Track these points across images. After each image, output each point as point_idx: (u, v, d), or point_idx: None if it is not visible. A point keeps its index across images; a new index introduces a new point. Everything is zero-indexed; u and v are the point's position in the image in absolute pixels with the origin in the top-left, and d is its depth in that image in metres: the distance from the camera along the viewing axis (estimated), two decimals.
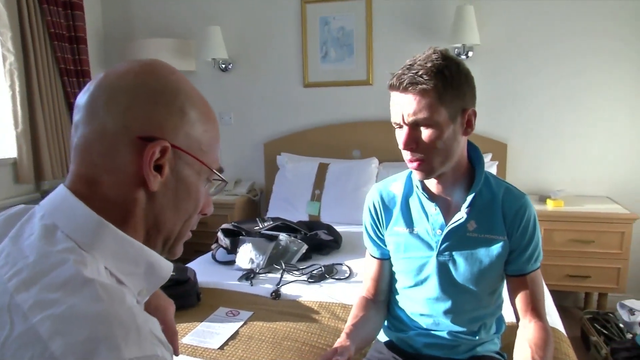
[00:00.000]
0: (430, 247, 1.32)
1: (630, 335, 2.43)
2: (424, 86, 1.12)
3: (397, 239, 1.36)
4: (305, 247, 2.38)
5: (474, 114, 1.22)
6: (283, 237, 2.43)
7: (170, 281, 1.99)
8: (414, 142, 1.18)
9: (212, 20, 3.59)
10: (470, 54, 3.16)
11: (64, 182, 0.68)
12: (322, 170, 3.20)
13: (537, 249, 1.29)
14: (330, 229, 2.59)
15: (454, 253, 1.30)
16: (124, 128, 0.65)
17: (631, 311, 2.55)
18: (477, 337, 1.38)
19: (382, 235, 1.40)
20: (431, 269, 1.32)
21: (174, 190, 0.69)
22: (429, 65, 1.13)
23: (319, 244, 2.45)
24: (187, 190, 0.71)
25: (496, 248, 1.27)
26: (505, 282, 1.38)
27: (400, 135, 1.19)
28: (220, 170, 0.76)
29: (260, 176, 3.74)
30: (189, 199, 0.72)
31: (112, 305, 0.55)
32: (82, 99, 0.68)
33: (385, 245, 1.41)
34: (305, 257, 2.40)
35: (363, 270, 1.50)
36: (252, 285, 2.17)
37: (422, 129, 1.17)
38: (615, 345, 2.38)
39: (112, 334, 0.52)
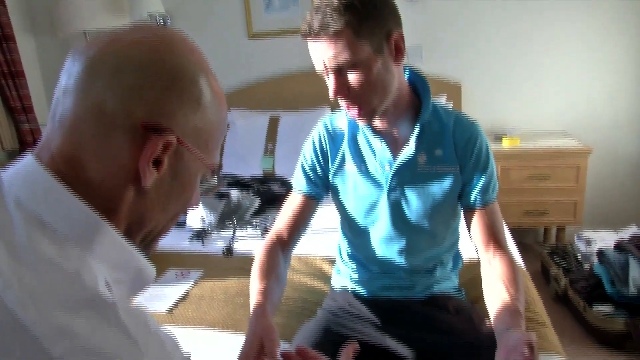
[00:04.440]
0: (379, 185, 1.24)
1: (588, 266, 2.46)
2: (336, 27, 1.00)
3: (346, 178, 1.27)
4: (258, 201, 2.29)
5: (401, 37, 1.09)
6: (234, 193, 2.32)
7: None
8: (344, 88, 1.07)
9: None
10: None
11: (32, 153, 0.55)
12: (274, 123, 3.08)
13: (492, 179, 1.23)
14: (283, 182, 2.50)
15: (405, 189, 1.23)
16: (126, 110, 0.53)
17: (588, 242, 2.57)
18: (433, 275, 1.33)
19: (322, 173, 1.30)
20: (382, 207, 1.25)
21: (168, 189, 0.60)
22: (335, 2, 1.01)
23: (272, 197, 2.36)
24: (181, 189, 0.61)
25: (449, 181, 1.21)
26: (460, 217, 1.33)
27: (329, 83, 1.09)
28: (218, 167, 0.65)
29: None
30: (181, 198, 0.63)
31: (139, 336, 0.48)
32: (77, 60, 0.55)
33: (321, 185, 1.31)
34: (259, 212, 2.30)
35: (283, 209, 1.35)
36: (203, 245, 2.07)
37: (348, 72, 1.06)
38: (573, 276, 2.40)
39: None
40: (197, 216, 2.24)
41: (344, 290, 1.39)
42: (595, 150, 2.79)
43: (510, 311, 1.06)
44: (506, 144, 2.84)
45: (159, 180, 0.57)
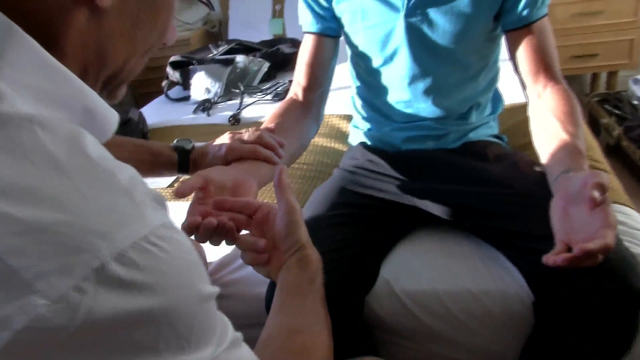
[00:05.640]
0: (394, 7, 0.98)
1: None
2: None
3: (352, 4, 1.01)
4: (266, 64, 2.04)
5: None
6: (240, 58, 2.07)
7: None
8: None
9: None
10: None
11: None
12: None
13: None
14: (294, 42, 2.23)
15: (427, 10, 0.97)
16: None
17: None
18: (468, 121, 1.10)
19: (327, 2, 1.04)
20: (400, 36, 1.00)
21: (134, 10, 0.43)
22: None
23: (282, 59, 2.11)
24: (154, 10, 0.45)
25: None
26: (498, 48, 1.07)
27: None
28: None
29: (214, 3, 3.23)
30: (153, 24, 0.46)
31: (70, 162, 0.33)
32: None
33: (330, 17, 1.06)
34: (268, 77, 2.07)
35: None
36: (209, 115, 1.88)
37: None
38: (629, 124, 2.13)
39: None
40: (201, 87, 2.03)
41: (363, 145, 1.18)
42: None
43: (568, 151, 0.84)
44: None
45: None
